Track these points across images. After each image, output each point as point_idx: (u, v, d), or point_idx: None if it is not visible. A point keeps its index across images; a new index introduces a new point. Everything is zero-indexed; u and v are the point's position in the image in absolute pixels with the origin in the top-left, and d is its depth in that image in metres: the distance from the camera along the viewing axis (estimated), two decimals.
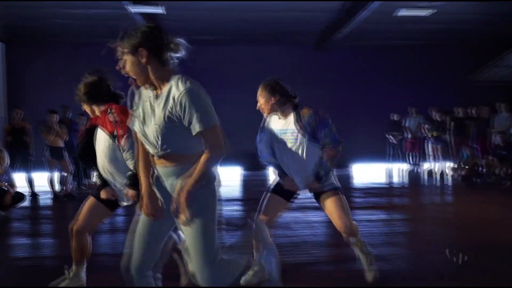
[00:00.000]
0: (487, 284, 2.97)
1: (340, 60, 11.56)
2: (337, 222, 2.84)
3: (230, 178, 9.72)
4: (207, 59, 11.33)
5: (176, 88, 1.92)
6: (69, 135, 7.08)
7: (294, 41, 11.40)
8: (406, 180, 9.50)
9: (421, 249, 3.99)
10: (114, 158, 2.68)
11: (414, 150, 10.61)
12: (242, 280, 2.80)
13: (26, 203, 6.06)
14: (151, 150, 2.02)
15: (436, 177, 9.49)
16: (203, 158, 1.94)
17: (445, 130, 9.53)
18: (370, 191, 7.67)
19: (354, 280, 3.04)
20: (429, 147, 9.92)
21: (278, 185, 2.98)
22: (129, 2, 7.25)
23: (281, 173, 2.96)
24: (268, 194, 2.99)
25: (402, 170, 10.77)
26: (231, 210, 5.75)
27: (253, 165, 10.96)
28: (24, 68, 11.21)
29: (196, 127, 1.90)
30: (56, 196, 6.89)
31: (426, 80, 11.69)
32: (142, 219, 2.08)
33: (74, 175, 7.33)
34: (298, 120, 2.86)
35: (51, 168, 6.83)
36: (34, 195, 6.89)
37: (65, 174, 6.93)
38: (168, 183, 2.03)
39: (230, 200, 6.55)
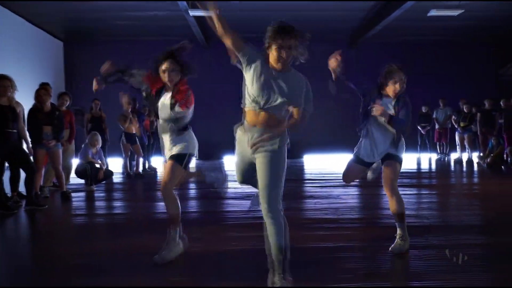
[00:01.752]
0: (505, 233, 3.86)
1: (372, 56, 12.23)
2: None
3: None
4: None
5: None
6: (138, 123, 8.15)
7: (328, 39, 12.15)
8: (434, 167, 10.20)
9: (447, 212, 4.90)
10: None
11: (442, 140, 11.29)
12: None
13: None
14: None
15: (463, 164, 10.16)
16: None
17: (472, 121, 10.18)
18: (401, 174, 8.45)
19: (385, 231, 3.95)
20: (457, 137, 10.59)
21: (357, 155, 3.53)
22: (188, 5, 8.19)
23: None
24: (350, 163, 3.57)
25: (431, 159, 11.46)
26: None
27: (291, 154, 11.85)
28: (81, 65, 12.28)
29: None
30: (128, 175, 8.04)
31: (456, 75, 12.31)
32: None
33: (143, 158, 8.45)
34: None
35: (125, 151, 7.95)
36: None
37: (137, 156, 8.05)
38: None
39: None
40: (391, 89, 3.33)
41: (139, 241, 3.77)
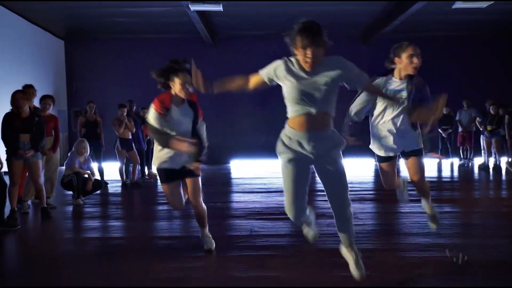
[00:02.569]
0: None
1: (388, 53, 11.46)
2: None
3: (277, 170, 9.96)
4: (256, 54, 11.57)
5: None
6: (135, 128, 7.52)
7: (341, 35, 11.37)
8: (457, 174, 9.40)
9: (471, 239, 4.05)
10: None
11: (466, 144, 10.47)
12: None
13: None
14: None
15: (490, 171, 9.33)
16: None
17: (500, 124, 9.34)
18: None
19: (407, 268, 3.24)
20: (483, 141, 9.75)
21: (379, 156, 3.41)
22: (189, 1, 7.55)
23: None
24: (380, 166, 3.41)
25: (453, 164, 10.64)
26: (279, 201, 5.93)
27: None
28: (83, 64, 11.81)
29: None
30: (124, 184, 7.41)
31: (479, 73, 11.42)
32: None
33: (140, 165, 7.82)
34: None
35: (121, 158, 7.33)
36: (104, 184, 7.39)
37: (133, 164, 7.41)
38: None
39: (277, 191, 6.85)
40: (408, 66, 3.17)
41: (139, 274, 3.12)
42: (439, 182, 8.27)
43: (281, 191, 2.83)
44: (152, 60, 12.47)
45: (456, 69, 11.45)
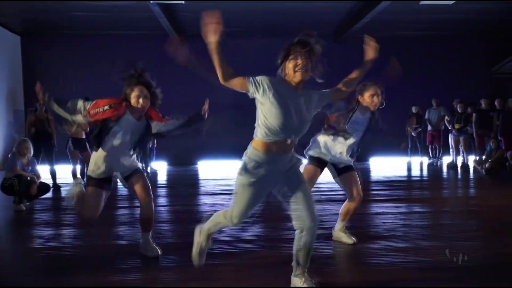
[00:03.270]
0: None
1: (358, 52, 11.30)
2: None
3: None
4: (224, 52, 11.22)
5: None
6: (90, 127, 7.04)
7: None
8: (426, 173, 9.34)
9: (439, 241, 3.80)
10: None
11: (435, 143, 10.46)
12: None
13: (48, 194, 6.02)
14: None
15: (458, 170, 9.32)
16: None
17: (468, 122, 9.35)
18: (389, 184, 7.52)
19: (368, 274, 2.99)
20: (452, 140, 9.74)
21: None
22: None
23: None
24: None
25: (422, 163, 10.61)
26: None
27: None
28: (40, 60, 11.22)
29: None
30: None
31: (448, 72, 11.46)
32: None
33: None
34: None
35: (73, 160, 6.84)
36: (56, 187, 6.89)
37: (87, 165, 6.93)
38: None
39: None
40: (370, 105, 3.55)
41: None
42: (408, 181, 8.16)
43: None
44: (115, 58, 12.02)
45: (425, 68, 11.45)
